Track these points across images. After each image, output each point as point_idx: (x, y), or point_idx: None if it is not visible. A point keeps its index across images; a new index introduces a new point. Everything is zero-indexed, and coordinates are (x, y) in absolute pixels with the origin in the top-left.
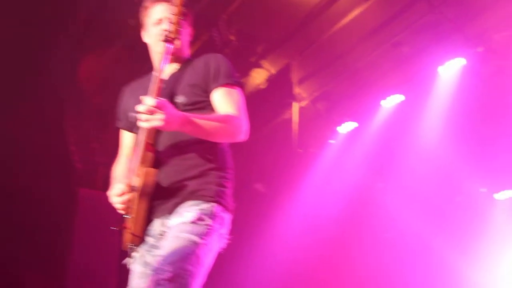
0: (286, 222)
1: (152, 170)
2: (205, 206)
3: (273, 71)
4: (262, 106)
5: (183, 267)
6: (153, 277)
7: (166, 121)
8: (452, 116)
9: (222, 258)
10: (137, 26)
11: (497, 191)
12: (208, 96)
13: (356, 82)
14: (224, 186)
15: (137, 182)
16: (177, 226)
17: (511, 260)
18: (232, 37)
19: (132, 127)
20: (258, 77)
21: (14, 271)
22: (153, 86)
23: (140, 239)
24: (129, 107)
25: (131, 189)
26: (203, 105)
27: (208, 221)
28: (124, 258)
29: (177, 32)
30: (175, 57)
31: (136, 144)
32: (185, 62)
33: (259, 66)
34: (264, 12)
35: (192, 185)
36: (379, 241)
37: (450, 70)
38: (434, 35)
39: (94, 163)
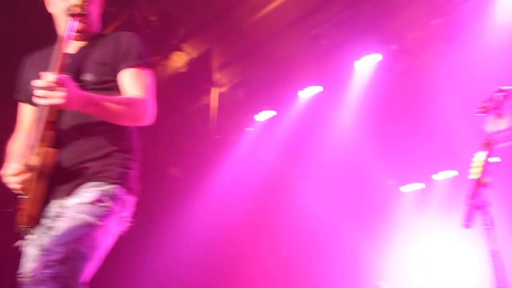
0: (201, 208)
1: (52, 150)
2: (107, 187)
3: (194, 55)
4: (181, 90)
5: (76, 249)
6: (43, 258)
7: (67, 99)
8: (366, 110)
9: (133, 241)
10: None
11: (404, 184)
12: (116, 76)
13: (276, 71)
14: (128, 168)
15: (35, 161)
16: (74, 207)
17: (417, 250)
18: (153, 18)
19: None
20: (179, 60)
21: None
22: (56, 60)
23: (36, 221)
24: (30, 79)
25: (29, 168)
26: (112, 85)
27: (108, 203)
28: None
29: (84, 8)
30: (83, 32)
31: (37, 119)
32: (95, 38)
33: (180, 49)
34: None
35: (95, 166)
36: (293, 228)
37: (366, 65)
38: (352, 30)
39: None
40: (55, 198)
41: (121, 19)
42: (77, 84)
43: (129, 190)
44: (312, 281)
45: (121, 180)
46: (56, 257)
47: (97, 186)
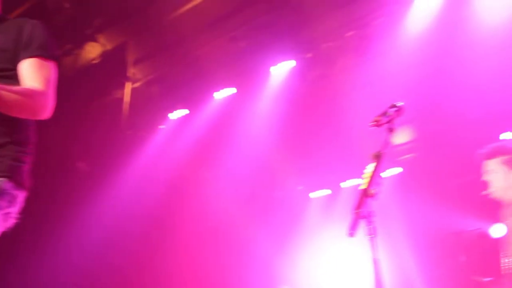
0: (108, 203)
1: None
2: None
3: (109, 47)
4: (93, 82)
5: None
6: None
7: None
8: (278, 114)
9: (38, 237)
10: None
11: (313, 190)
12: (16, 66)
13: (192, 70)
14: (20, 161)
15: None
16: None
17: (325, 254)
18: (67, 4)
19: None
20: (92, 51)
21: None
22: None
23: None
24: None
25: None
26: (11, 74)
27: None
28: None
29: None
30: None
31: None
32: None
33: (94, 39)
34: None
35: None
36: (199, 230)
37: (281, 71)
38: (270, 35)
39: None
40: None
41: (30, 2)
42: None
43: (19, 185)
44: (219, 285)
45: (10, 173)
46: None
47: None
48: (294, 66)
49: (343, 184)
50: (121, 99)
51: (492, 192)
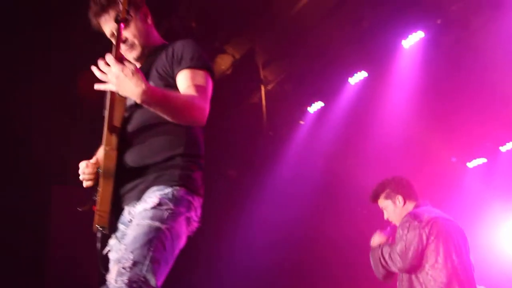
0: (261, 206)
1: (112, 154)
2: (168, 190)
3: (238, 56)
4: (229, 91)
5: (144, 254)
6: (117, 266)
7: (119, 80)
8: (417, 87)
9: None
10: None
11: (469, 160)
12: (175, 81)
13: (321, 61)
14: (190, 170)
15: (101, 165)
16: (139, 214)
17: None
18: (193, 23)
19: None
20: (223, 62)
21: None
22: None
23: (106, 220)
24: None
25: (95, 166)
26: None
27: (170, 205)
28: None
29: (121, 57)
30: (138, 47)
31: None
32: (154, 50)
33: (223, 51)
34: None
35: (157, 170)
36: (355, 214)
37: (412, 43)
38: (393, 10)
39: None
40: (126, 205)
41: (161, 29)
42: None
43: (192, 191)
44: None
45: (182, 181)
46: (128, 263)
47: (159, 190)
48: (425, 36)
49: (502, 148)
50: (258, 103)
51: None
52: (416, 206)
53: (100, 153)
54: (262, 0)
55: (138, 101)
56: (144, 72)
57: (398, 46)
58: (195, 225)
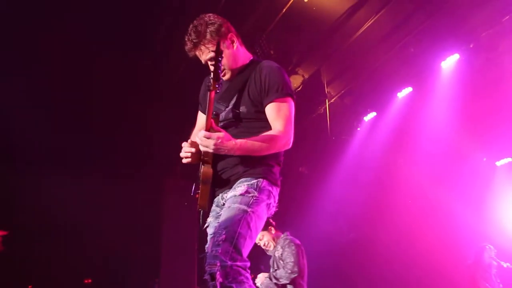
0: (326, 198)
1: (209, 170)
2: (253, 181)
3: (307, 75)
4: (301, 105)
5: (234, 230)
6: (212, 239)
7: (215, 148)
8: (455, 100)
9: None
10: None
11: (498, 159)
12: (264, 109)
13: (374, 79)
14: (270, 165)
15: (200, 174)
16: (230, 199)
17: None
18: (272, 51)
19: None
20: (295, 82)
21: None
22: (208, 117)
23: (204, 207)
24: (205, 96)
25: (195, 145)
26: (261, 116)
27: (255, 193)
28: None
29: (218, 79)
30: (229, 71)
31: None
32: (243, 69)
33: (295, 73)
34: (296, 29)
35: (244, 165)
36: (406, 207)
37: (450, 64)
38: (433, 36)
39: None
40: (220, 192)
41: None
42: (235, 114)
43: (272, 183)
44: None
45: (264, 174)
46: (221, 237)
47: (246, 181)
48: (460, 57)
49: None
50: (323, 113)
51: None
52: None
53: (194, 137)
54: (326, 31)
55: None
56: (237, 90)
57: (438, 66)
58: (273, 210)
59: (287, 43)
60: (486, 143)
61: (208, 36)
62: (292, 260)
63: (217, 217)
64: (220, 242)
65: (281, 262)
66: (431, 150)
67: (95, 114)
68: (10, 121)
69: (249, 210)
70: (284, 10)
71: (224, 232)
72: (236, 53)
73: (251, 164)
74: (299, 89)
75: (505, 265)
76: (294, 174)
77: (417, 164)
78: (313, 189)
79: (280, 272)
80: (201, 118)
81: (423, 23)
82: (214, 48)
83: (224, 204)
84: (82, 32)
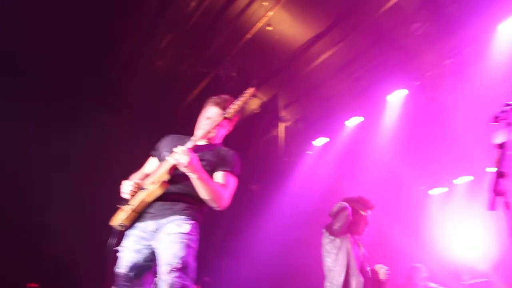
0: (275, 214)
1: (157, 192)
2: (191, 222)
3: (265, 99)
4: (256, 125)
5: (187, 261)
6: (167, 267)
7: (189, 162)
8: (399, 132)
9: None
10: None
11: (431, 188)
12: (216, 172)
13: (327, 107)
14: (204, 212)
15: (148, 188)
16: (177, 234)
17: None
18: (234, 74)
19: (160, 159)
20: (253, 103)
21: None
22: (191, 143)
23: (124, 227)
24: (166, 148)
25: (140, 186)
26: (213, 175)
27: (194, 232)
28: None
29: (210, 134)
30: (209, 139)
31: (154, 171)
32: (214, 146)
33: (254, 95)
34: (258, 55)
35: (181, 205)
36: None
37: (397, 98)
38: (384, 71)
39: None
40: (151, 219)
41: (210, 76)
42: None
43: (198, 222)
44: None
45: (196, 217)
46: (178, 266)
47: (186, 220)
48: (409, 93)
49: (456, 181)
50: (277, 135)
51: None
52: None
53: (137, 176)
54: (286, 58)
55: (193, 177)
56: (204, 153)
57: (386, 99)
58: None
59: (249, 67)
60: (424, 173)
61: (231, 110)
62: None
63: (140, 241)
64: (176, 270)
65: None
66: (375, 176)
67: None
68: None
69: (193, 246)
70: (249, 36)
71: (179, 261)
72: (223, 134)
73: (187, 205)
74: (257, 111)
75: (434, 285)
76: (245, 192)
77: (362, 189)
78: (263, 206)
79: None
80: (152, 163)
81: (376, 57)
82: (223, 116)
83: (155, 231)
84: None
